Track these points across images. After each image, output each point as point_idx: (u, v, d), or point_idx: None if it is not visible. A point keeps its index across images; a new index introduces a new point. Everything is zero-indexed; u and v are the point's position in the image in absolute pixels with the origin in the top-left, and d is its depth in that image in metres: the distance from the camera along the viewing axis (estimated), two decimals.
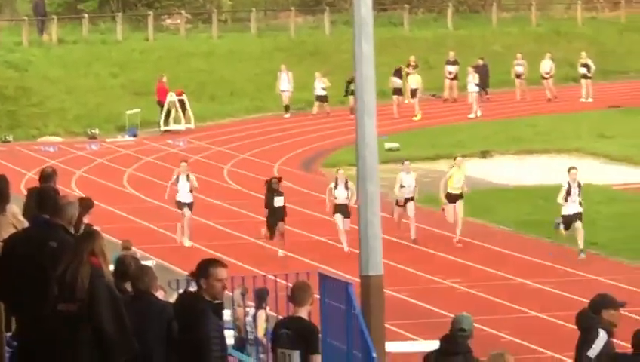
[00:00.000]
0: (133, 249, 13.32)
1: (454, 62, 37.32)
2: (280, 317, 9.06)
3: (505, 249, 18.87)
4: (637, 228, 20.49)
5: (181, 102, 33.61)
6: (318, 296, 10.01)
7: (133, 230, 19.77)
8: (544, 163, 28.10)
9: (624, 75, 42.57)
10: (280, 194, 18.92)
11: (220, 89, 38.33)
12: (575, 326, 6.50)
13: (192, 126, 33.78)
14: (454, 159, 21.12)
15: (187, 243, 19.18)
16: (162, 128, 33.43)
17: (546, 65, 36.99)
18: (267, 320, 11.76)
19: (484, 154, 29.19)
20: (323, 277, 10.76)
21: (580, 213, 18.33)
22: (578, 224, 18.20)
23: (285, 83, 35.01)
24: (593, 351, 6.12)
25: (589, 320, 6.36)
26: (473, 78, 34.83)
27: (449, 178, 20.19)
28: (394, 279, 14.78)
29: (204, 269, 5.11)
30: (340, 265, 15.88)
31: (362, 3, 9.63)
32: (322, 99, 35.32)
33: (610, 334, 6.22)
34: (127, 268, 5.67)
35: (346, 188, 18.72)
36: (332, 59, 39.21)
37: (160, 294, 6.44)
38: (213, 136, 33.39)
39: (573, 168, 19.10)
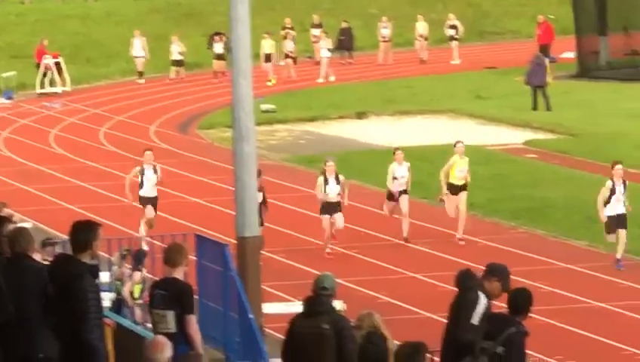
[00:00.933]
0: (10, 211, 12.81)
1: (318, 26, 37.48)
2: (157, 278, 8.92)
3: (381, 210, 17.79)
4: (512, 188, 20.71)
5: (57, 64, 33.14)
6: (195, 258, 10.14)
7: (10, 192, 19.24)
8: (420, 124, 28.38)
9: (500, 37, 43.53)
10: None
11: (96, 52, 38.25)
12: (453, 287, 6.55)
13: (68, 88, 33.53)
14: (454, 145, 17.83)
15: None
16: (38, 91, 32.70)
17: (420, 28, 37.48)
18: (144, 281, 11.68)
19: (359, 115, 29.04)
20: (200, 239, 10.84)
21: (624, 215, 15.22)
22: (622, 232, 15.12)
23: (139, 49, 34.55)
24: (476, 317, 6.13)
25: (469, 281, 6.39)
26: (325, 44, 34.73)
27: (451, 167, 17.46)
28: (271, 240, 14.99)
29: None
30: (218, 227, 15.71)
31: None
32: (178, 63, 34.96)
33: (489, 299, 6.21)
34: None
35: (337, 182, 16.31)
36: (208, 21, 39.24)
37: (37, 256, 6.30)
38: (89, 98, 33.31)
39: (618, 163, 15.76)
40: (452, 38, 37.26)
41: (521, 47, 37.31)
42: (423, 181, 19.42)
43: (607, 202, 15.40)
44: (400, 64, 37.62)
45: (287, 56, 34.59)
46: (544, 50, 33.59)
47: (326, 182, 16.23)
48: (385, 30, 37.43)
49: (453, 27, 37.27)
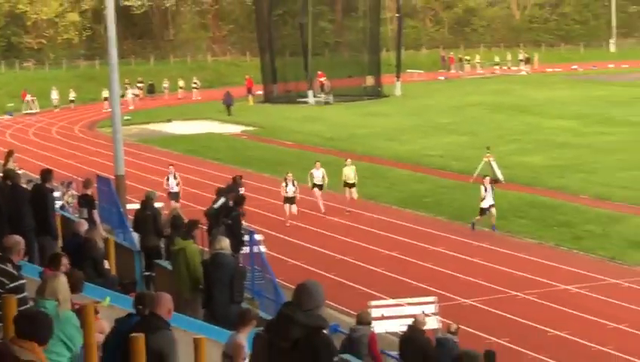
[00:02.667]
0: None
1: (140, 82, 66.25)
2: None
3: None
4: (244, 150, 38.83)
5: None
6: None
7: None
8: (195, 124, 49.14)
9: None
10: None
11: None
12: None
13: None
14: (346, 159, 26.11)
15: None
16: None
17: None
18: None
19: (168, 120, 50.67)
20: (99, 177, 23.02)
21: (493, 205, 22.82)
22: (493, 210, 22.73)
23: None
24: None
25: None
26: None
27: (343, 172, 25.19)
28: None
29: None
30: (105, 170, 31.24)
31: None
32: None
33: None
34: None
35: (293, 185, 23.18)
36: None
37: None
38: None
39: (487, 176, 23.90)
40: None
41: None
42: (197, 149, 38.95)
43: (483, 198, 22.01)
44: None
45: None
46: (249, 90, 58.54)
47: (286, 185, 23.13)
48: None
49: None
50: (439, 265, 19.95)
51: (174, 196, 23.58)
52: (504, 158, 30.32)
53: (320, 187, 24.32)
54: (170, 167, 25.20)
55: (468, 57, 78.55)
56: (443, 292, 17.17)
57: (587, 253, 20.69)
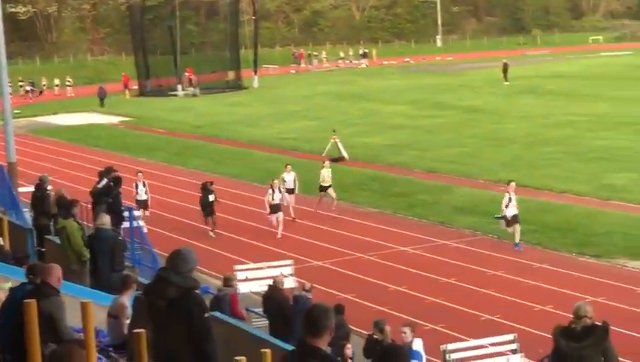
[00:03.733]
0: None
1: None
2: None
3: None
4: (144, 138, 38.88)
5: None
6: None
7: None
8: (82, 116, 47.56)
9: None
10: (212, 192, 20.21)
11: None
12: None
13: None
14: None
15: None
16: None
17: None
18: None
19: (55, 112, 49.10)
20: None
21: (517, 215, 18.28)
22: (517, 226, 18.25)
23: None
24: None
25: None
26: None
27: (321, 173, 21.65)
28: None
29: None
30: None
31: None
32: None
33: None
34: None
35: (279, 191, 19.79)
36: None
37: None
38: None
39: (512, 181, 18.82)
40: None
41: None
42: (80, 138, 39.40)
43: (507, 205, 18.00)
44: None
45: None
46: (125, 85, 58.83)
47: (272, 192, 19.50)
48: None
49: None
50: (293, 233, 20.31)
51: (142, 204, 20.72)
52: (348, 139, 30.84)
53: (291, 191, 21.35)
54: (139, 173, 21.57)
55: (316, 53, 79.36)
56: (299, 256, 17.33)
57: (420, 218, 21.36)
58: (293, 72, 73.06)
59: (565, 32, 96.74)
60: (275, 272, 14.28)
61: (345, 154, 28.43)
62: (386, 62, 77.03)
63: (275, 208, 19.33)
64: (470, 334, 12.63)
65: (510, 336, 11.55)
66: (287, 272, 14.81)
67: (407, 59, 78.53)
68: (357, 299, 15.07)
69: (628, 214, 20.50)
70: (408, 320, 11.89)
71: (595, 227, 19.49)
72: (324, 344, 4.16)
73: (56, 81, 61.13)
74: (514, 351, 11.28)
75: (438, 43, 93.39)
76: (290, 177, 21.47)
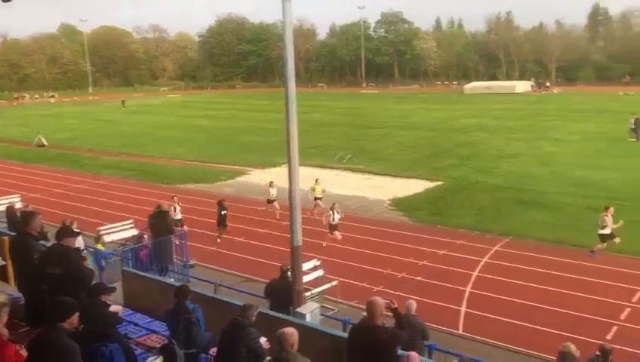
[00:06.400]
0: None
1: None
2: None
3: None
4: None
5: None
6: None
7: None
8: None
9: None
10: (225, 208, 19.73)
11: None
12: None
13: None
14: (316, 180, 22.76)
15: None
16: None
17: None
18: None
19: None
20: None
21: (613, 234, 17.94)
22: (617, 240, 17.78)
23: None
24: None
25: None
26: None
27: (314, 188, 22.44)
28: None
29: None
30: None
31: None
32: None
33: None
34: None
35: (338, 212, 19.43)
36: None
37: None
38: None
39: (610, 207, 18.37)
40: None
41: None
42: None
43: (606, 225, 17.71)
44: None
45: None
46: None
47: (333, 213, 19.13)
48: None
49: None
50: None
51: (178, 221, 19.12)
52: None
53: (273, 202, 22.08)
54: (175, 197, 20.33)
55: None
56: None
57: None
58: None
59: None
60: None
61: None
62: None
63: (334, 227, 19.12)
64: None
65: None
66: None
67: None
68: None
69: None
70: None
71: None
72: None
73: None
74: None
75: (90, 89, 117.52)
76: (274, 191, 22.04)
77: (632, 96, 68.72)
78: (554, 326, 13.21)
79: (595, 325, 13.40)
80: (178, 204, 19.81)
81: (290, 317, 9.24)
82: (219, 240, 19.73)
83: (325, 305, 12.67)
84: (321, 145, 39.89)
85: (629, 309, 14.40)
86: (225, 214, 19.65)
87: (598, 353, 9.04)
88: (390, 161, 34.05)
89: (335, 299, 13.65)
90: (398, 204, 24.39)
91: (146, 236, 15.32)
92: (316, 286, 13.03)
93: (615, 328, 13.44)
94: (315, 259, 14.06)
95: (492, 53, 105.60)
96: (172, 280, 13.00)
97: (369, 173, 31.55)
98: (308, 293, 12.05)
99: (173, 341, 7.88)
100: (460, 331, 13.20)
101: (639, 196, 25.12)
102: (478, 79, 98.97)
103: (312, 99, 79.39)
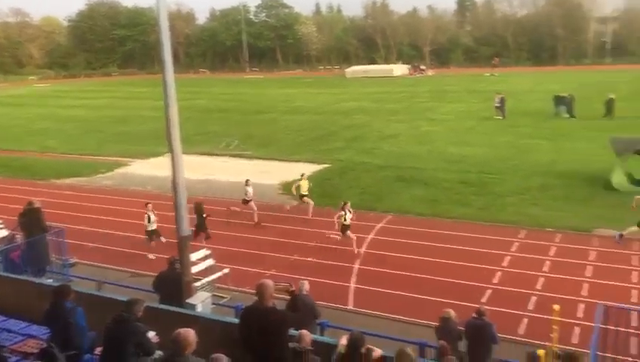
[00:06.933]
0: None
1: None
2: None
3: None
4: None
5: None
6: None
7: None
8: None
9: None
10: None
11: None
12: None
13: None
14: (302, 175, 21.38)
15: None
16: None
17: None
18: None
19: None
20: None
21: None
22: None
23: None
24: None
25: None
26: None
27: (300, 185, 20.86)
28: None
29: None
30: None
31: None
32: None
33: None
34: None
35: (349, 211, 17.66)
36: None
37: None
38: None
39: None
40: None
41: None
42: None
43: None
44: None
45: None
46: None
47: (345, 213, 17.49)
48: None
49: None
50: None
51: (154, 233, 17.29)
52: None
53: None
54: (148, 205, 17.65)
55: None
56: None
57: None
58: None
59: None
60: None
61: None
62: None
63: (346, 228, 17.31)
64: None
65: None
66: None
67: None
68: None
69: None
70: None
71: None
72: None
73: None
74: None
75: None
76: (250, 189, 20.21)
77: (497, 77, 72.62)
78: (437, 295, 14.02)
79: (473, 290, 14.34)
80: (153, 213, 17.15)
81: (180, 309, 9.11)
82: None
83: (217, 294, 12.62)
84: (207, 132, 39.41)
85: (499, 273, 15.54)
86: (206, 218, 17.27)
87: (474, 315, 9.68)
88: (278, 146, 34.35)
89: (227, 286, 13.72)
90: (288, 187, 24.78)
91: (18, 236, 14.57)
92: (207, 276, 13.02)
93: (489, 291, 14.47)
94: (205, 249, 13.93)
95: (370, 38, 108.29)
96: (50, 280, 12.47)
97: (257, 158, 31.69)
98: (198, 283, 11.90)
99: (52, 344, 7.59)
100: (351, 306, 13.68)
101: (505, 169, 27.01)
102: (358, 63, 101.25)
103: (195, 85, 78.00)
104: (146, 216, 17.06)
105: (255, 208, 20.06)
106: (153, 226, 17.12)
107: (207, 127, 41.01)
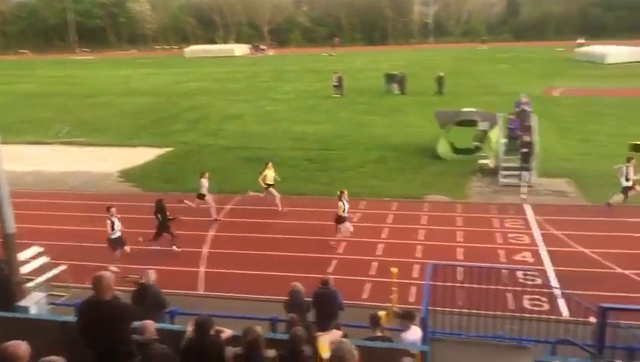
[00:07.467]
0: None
1: None
2: None
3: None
4: None
5: None
6: None
7: None
8: None
9: None
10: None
11: None
12: None
13: None
14: (268, 163, 19.65)
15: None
16: None
17: None
18: None
19: None
20: None
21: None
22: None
23: None
24: None
25: None
26: None
27: (266, 175, 19.42)
28: None
29: None
30: None
31: None
32: None
33: None
34: None
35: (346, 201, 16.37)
36: None
37: None
38: None
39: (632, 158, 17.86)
40: None
41: None
42: None
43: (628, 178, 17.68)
44: None
45: None
46: None
47: (343, 203, 16.18)
48: None
49: None
50: None
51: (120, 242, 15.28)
52: None
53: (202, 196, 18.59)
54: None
55: None
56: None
57: None
58: None
59: None
60: None
61: None
62: None
63: (342, 219, 16.31)
64: None
65: None
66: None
67: None
68: None
69: None
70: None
71: None
72: None
73: None
74: None
75: None
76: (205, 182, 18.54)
77: (334, 57, 75.42)
78: (285, 270, 14.26)
79: (320, 262, 14.90)
80: (117, 218, 15.00)
81: (9, 314, 8.43)
82: (175, 248, 15.99)
83: (54, 293, 11.91)
84: (34, 118, 37.00)
85: (344, 243, 16.22)
86: (172, 218, 15.94)
87: (320, 285, 10.13)
88: (114, 131, 33.07)
89: (67, 284, 13.05)
90: (127, 174, 23.94)
91: None
92: (41, 275, 12.29)
93: (335, 261, 15.11)
94: (37, 246, 12.97)
95: (208, 17, 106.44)
96: None
97: (92, 145, 30.15)
98: (32, 284, 11.12)
99: None
100: (202, 291, 13.62)
101: (345, 145, 28.17)
102: (197, 43, 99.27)
103: (17, 67, 72.15)
104: (109, 222, 14.92)
105: (212, 203, 18.72)
106: (117, 234, 15.07)
107: (33, 114, 38.62)
